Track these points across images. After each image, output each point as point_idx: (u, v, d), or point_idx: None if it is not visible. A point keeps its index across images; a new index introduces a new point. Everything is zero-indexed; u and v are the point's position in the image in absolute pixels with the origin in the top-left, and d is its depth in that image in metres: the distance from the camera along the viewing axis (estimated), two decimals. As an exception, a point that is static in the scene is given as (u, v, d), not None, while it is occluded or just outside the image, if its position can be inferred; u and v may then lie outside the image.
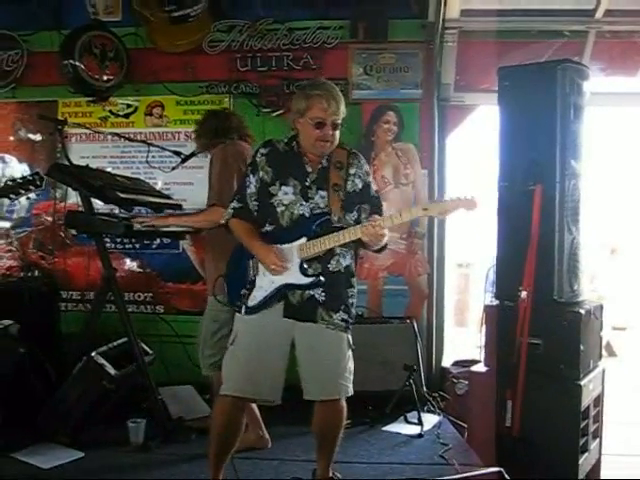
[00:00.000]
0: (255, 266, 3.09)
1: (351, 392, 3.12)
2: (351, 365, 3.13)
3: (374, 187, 3.21)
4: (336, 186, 3.05)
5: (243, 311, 3.09)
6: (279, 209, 3.05)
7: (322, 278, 3.01)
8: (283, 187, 3.05)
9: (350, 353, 3.14)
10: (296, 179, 3.06)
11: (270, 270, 3.00)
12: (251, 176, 3.12)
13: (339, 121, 3.03)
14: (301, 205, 3.03)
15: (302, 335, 3.08)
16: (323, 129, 3.00)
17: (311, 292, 3.03)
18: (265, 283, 3.05)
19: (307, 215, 3.03)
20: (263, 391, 3.09)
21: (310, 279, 3.01)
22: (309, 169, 3.08)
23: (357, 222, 3.07)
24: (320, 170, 3.08)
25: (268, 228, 3.09)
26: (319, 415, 3.17)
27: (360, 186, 3.13)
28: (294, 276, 3.01)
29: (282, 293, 3.03)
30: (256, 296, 3.06)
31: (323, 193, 3.05)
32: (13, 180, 3.14)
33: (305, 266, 3.01)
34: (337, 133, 3.05)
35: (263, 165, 3.10)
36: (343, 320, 3.08)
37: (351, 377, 3.13)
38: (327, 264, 3.05)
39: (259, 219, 3.10)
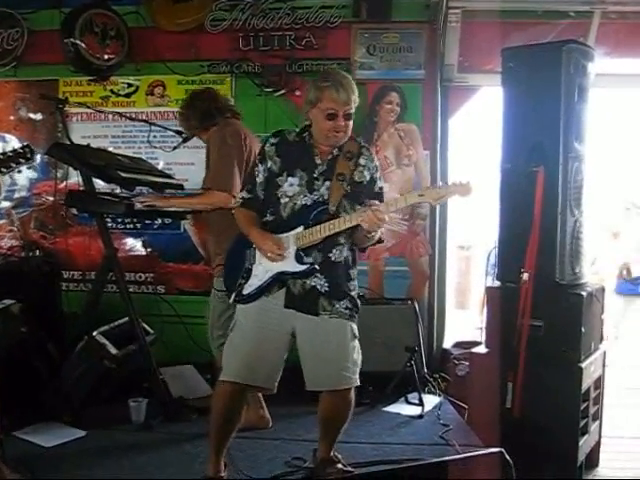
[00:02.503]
0: (253, 255, 3.08)
1: (355, 383, 3.10)
2: (357, 356, 3.11)
3: (380, 184, 3.15)
4: (340, 175, 3.01)
5: (234, 299, 3.10)
6: (282, 200, 3.02)
7: (317, 266, 2.99)
8: (290, 178, 3.02)
9: (356, 344, 3.11)
10: (303, 170, 3.03)
11: (267, 257, 2.98)
12: (260, 165, 3.10)
13: (351, 111, 3.00)
14: (305, 197, 3.01)
15: (303, 327, 3.07)
16: (335, 120, 2.96)
17: (313, 282, 3.01)
18: (260, 272, 3.05)
19: (309, 204, 3.00)
20: (259, 379, 3.09)
21: (304, 266, 2.98)
22: (318, 161, 3.05)
23: None
24: (329, 161, 3.05)
25: (269, 218, 3.07)
26: (324, 405, 3.17)
27: (368, 178, 3.08)
28: (290, 264, 2.99)
29: (279, 281, 3.02)
30: (251, 284, 3.06)
31: (329, 184, 3.01)
32: (3, 154, 3.10)
33: (302, 254, 2.99)
34: (350, 123, 3.02)
35: (272, 155, 3.07)
36: (347, 308, 3.07)
37: (356, 368, 3.10)
38: (328, 253, 3.02)
39: (263, 209, 3.10)
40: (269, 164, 3.07)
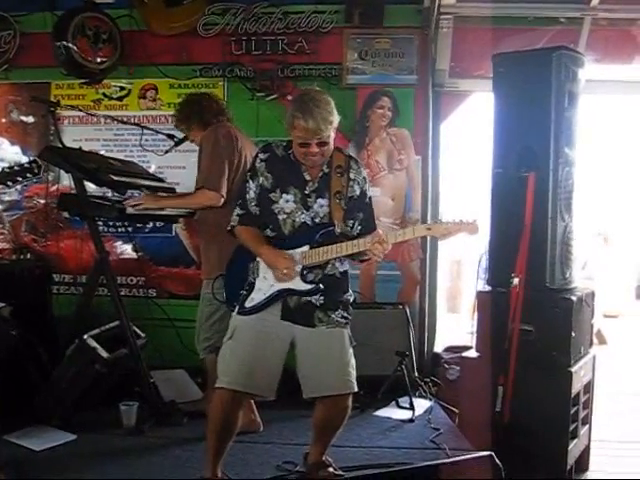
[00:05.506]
0: (256, 269, 3.11)
1: (355, 389, 3.13)
2: (354, 361, 3.15)
3: (369, 194, 3.20)
4: (338, 194, 3.06)
5: (237, 311, 3.11)
6: (280, 217, 3.06)
7: (321, 285, 3.03)
8: (284, 195, 3.06)
9: (351, 349, 3.15)
10: (296, 187, 3.06)
11: (281, 275, 2.99)
12: (251, 182, 3.12)
13: (325, 139, 2.96)
14: (302, 213, 3.05)
15: (302, 337, 3.10)
16: (308, 148, 2.97)
17: (308, 297, 3.05)
18: (265, 286, 3.07)
19: (309, 224, 3.05)
20: (260, 387, 3.11)
21: (310, 286, 3.03)
22: (307, 177, 3.08)
23: (355, 231, 3.11)
24: (321, 178, 3.08)
25: (270, 234, 3.10)
26: (321, 411, 3.18)
27: (358, 192, 3.13)
28: (294, 282, 3.03)
29: (281, 297, 3.05)
30: (254, 298, 3.08)
31: (322, 202, 3.06)
32: (10, 167, 3.10)
33: (305, 272, 3.03)
34: (326, 148, 2.99)
35: (262, 171, 3.10)
36: (342, 317, 3.11)
37: (354, 372, 3.13)
38: (325, 269, 3.08)
39: (261, 223, 3.12)
40: (260, 180, 3.09)
